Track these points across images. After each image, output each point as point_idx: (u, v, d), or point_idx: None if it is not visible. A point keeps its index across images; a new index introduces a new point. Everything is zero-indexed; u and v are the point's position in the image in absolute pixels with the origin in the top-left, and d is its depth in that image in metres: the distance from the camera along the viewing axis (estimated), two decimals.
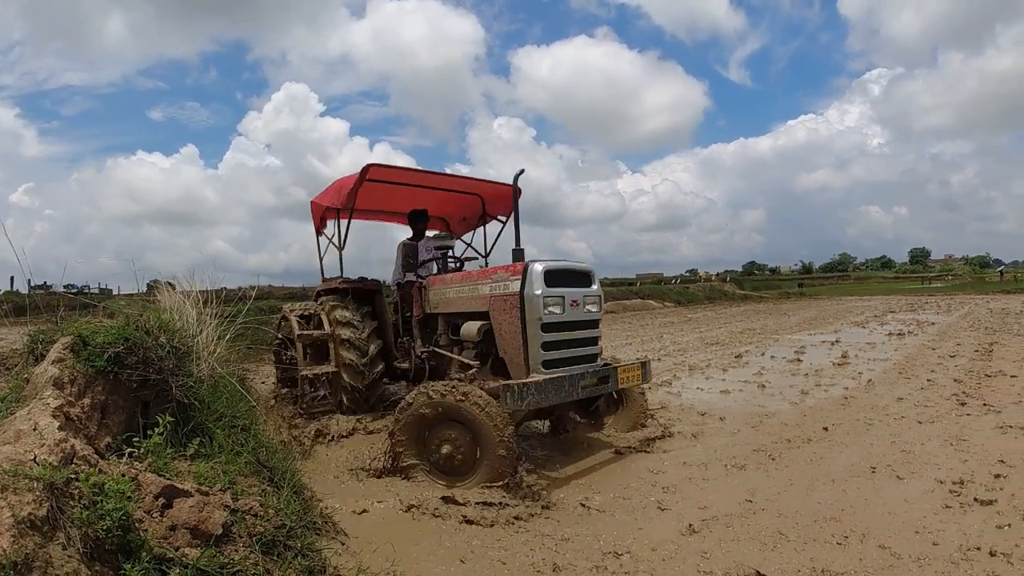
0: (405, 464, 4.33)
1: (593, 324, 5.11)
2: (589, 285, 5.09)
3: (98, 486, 2.20)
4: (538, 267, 4.70)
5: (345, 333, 6.16)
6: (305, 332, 6.27)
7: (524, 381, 4.42)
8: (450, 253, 6.48)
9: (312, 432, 5.53)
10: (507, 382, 4.44)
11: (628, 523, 3.71)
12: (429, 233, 7.22)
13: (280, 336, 7.07)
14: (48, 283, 10.77)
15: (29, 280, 4.19)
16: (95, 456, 2.48)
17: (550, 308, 4.72)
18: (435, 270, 6.36)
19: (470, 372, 4.94)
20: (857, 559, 3.11)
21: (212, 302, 3.74)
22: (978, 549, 3.14)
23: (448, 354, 5.62)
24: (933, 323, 17.38)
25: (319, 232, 7.30)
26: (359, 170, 5.93)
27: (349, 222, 6.55)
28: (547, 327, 4.70)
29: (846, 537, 3.35)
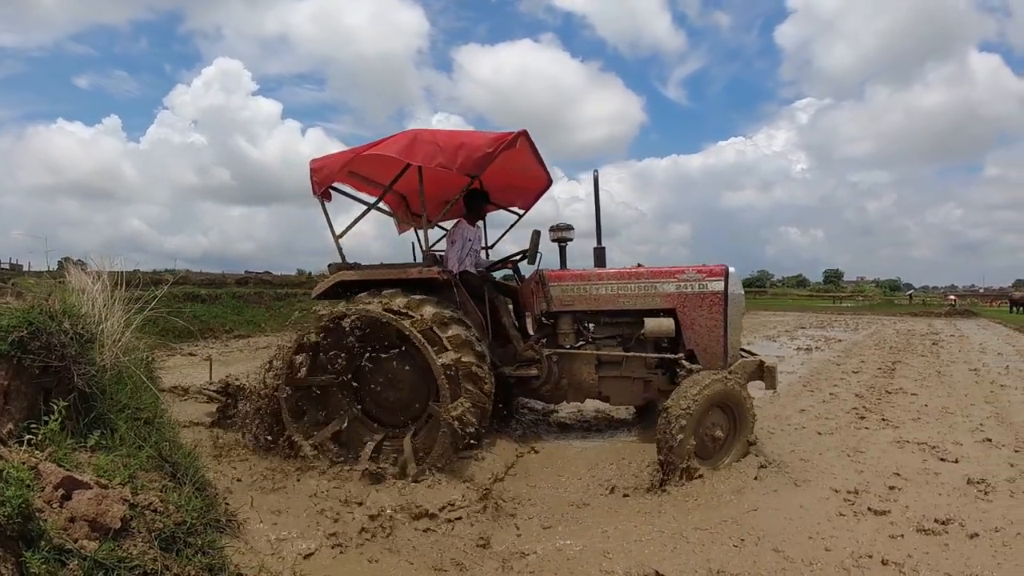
0: (684, 466, 4.36)
1: None
2: None
3: None
4: (735, 270, 5.38)
5: (467, 354, 4.72)
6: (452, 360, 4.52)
7: (771, 363, 5.42)
8: (479, 245, 6.19)
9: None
10: (769, 365, 5.40)
11: (534, 524, 3.78)
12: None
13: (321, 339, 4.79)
14: None
15: None
16: None
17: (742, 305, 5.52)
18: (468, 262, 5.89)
19: (689, 364, 5.15)
20: (751, 561, 3.24)
21: (122, 286, 3.60)
22: (870, 557, 3.24)
23: (613, 353, 5.53)
24: (840, 340, 17.72)
25: (326, 199, 5.40)
26: (507, 133, 4.94)
27: (464, 191, 5.30)
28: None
29: (742, 540, 3.47)
